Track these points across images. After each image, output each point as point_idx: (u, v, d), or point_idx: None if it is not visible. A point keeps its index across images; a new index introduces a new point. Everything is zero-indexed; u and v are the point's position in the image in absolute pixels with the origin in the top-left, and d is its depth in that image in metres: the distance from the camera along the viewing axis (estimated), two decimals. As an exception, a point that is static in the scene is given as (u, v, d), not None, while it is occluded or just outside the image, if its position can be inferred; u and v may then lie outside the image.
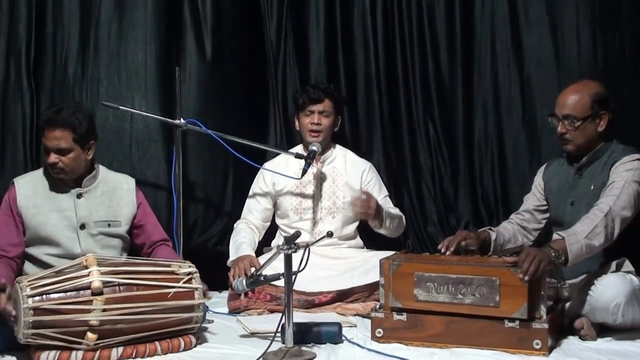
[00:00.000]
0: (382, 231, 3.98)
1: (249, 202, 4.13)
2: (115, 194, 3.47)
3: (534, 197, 3.62)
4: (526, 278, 2.90)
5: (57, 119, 3.27)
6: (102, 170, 3.51)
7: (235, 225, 4.11)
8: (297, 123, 4.13)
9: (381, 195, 4.04)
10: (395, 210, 4.07)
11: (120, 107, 3.97)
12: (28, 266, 3.34)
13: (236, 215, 4.25)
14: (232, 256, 3.87)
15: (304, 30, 4.58)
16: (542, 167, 3.65)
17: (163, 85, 4.33)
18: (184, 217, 4.06)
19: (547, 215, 3.59)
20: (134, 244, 3.58)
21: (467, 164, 4.46)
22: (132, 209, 3.50)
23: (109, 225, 3.41)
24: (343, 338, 3.16)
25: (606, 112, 3.33)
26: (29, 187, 3.35)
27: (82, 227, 3.35)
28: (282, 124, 4.55)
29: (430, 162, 4.52)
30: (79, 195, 3.38)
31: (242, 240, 3.92)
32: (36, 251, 3.32)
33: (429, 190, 4.52)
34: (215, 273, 3.94)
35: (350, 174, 4.08)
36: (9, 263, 3.25)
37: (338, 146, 4.17)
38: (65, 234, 3.32)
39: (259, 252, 4.02)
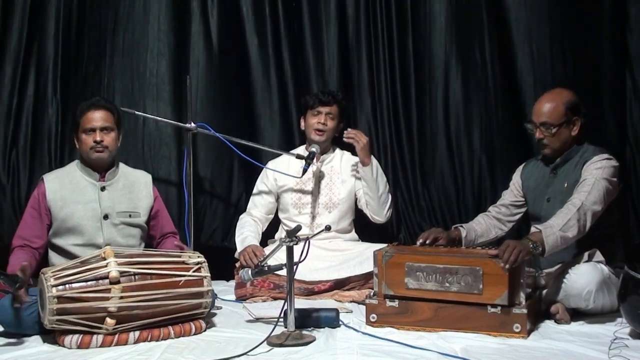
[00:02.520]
0: (369, 182, 3.97)
1: (254, 197, 4.18)
2: (134, 188, 3.51)
3: (511, 193, 3.67)
4: (507, 267, 2.93)
5: (100, 102, 3.44)
6: (122, 166, 3.56)
7: (240, 217, 4.15)
8: (302, 123, 4.16)
9: None
10: None
11: (136, 112, 4.02)
12: (54, 256, 3.38)
13: (242, 211, 4.28)
14: (239, 248, 3.91)
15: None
16: (520, 167, 3.69)
17: (173, 92, 4.37)
18: (193, 213, 4.07)
19: (521, 210, 3.64)
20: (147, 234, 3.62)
21: (457, 164, 4.44)
22: (149, 201, 3.53)
23: (130, 215, 3.44)
24: (340, 323, 3.19)
25: (579, 117, 3.39)
26: (57, 182, 3.39)
27: (106, 217, 3.38)
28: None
29: (423, 162, 4.50)
30: (103, 188, 3.42)
31: (247, 234, 3.97)
32: (62, 242, 3.36)
33: (421, 187, 4.49)
34: (223, 264, 4.00)
35: (345, 170, 4.12)
36: (33, 253, 3.30)
37: (337, 149, 4.21)
38: (90, 224, 3.36)
39: (264, 244, 4.04)
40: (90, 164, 3.44)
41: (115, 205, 3.42)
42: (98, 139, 3.36)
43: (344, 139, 4.01)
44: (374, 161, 4.01)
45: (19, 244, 3.32)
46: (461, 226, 3.61)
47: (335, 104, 4.08)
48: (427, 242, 3.39)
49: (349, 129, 4.02)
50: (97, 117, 3.38)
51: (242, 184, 4.49)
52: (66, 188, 3.38)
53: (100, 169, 3.44)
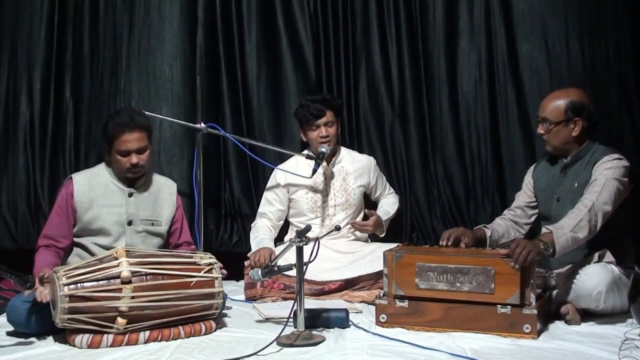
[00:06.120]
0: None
1: (264, 204, 4.14)
2: (159, 196, 3.48)
3: (525, 194, 3.64)
4: (517, 266, 2.92)
5: (134, 122, 3.29)
6: (150, 173, 3.52)
7: (252, 225, 4.13)
8: (302, 135, 4.10)
9: (384, 185, 4.16)
10: (394, 199, 4.24)
11: (146, 112, 3.99)
12: (73, 254, 3.36)
13: (252, 214, 4.30)
14: (254, 249, 3.90)
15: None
16: (532, 167, 3.67)
17: (188, 95, 4.37)
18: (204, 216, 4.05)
19: (536, 211, 3.60)
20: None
21: (468, 163, 4.43)
22: (172, 211, 3.51)
23: (152, 224, 3.42)
24: (350, 323, 3.19)
25: (580, 119, 3.35)
26: (85, 184, 3.35)
27: (130, 223, 3.37)
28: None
29: (433, 161, 4.48)
30: (130, 194, 3.39)
31: (263, 236, 3.96)
32: (85, 241, 3.34)
33: (432, 187, 4.48)
34: (233, 264, 3.99)
35: (359, 171, 4.11)
36: (58, 252, 3.29)
37: (342, 147, 4.19)
38: (114, 228, 3.34)
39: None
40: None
41: (139, 212, 3.39)
42: (134, 161, 3.29)
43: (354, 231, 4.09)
44: (384, 220, 4.09)
45: (44, 243, 3.29)
46: (485, 226, 3.58)
47: (328, 110, 3.98)
48: (449, 243, 3.35)
49: (355, 224, 4.02)
50: (133, 139, 3.26)
51: (251, 186, 4.50)
52: (94, 190, 3.35)
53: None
